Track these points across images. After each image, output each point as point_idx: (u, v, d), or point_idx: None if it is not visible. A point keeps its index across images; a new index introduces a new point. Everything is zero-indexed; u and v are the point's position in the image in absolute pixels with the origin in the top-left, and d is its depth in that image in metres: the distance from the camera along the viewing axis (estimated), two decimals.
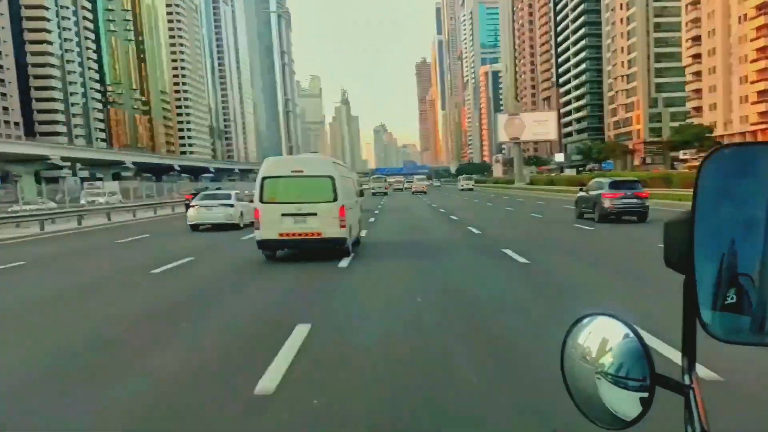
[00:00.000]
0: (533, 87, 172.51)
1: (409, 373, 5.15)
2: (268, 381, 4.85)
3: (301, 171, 12.96)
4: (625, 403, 0.92)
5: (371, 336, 6.52)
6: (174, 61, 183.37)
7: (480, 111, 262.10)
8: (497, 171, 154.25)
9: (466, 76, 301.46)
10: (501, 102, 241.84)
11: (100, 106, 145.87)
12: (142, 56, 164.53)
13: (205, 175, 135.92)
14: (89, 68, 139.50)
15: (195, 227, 23.17)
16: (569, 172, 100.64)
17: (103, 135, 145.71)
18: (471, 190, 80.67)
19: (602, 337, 0.98)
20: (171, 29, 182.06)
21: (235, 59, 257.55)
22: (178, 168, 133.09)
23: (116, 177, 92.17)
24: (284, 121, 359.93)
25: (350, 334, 6.64)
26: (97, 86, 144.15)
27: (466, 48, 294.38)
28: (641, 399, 0.92)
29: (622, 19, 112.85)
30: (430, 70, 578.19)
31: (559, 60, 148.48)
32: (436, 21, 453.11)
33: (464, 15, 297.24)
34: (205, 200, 23.81)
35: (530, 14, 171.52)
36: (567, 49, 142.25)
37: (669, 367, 0.95)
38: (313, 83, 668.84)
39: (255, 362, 5.40)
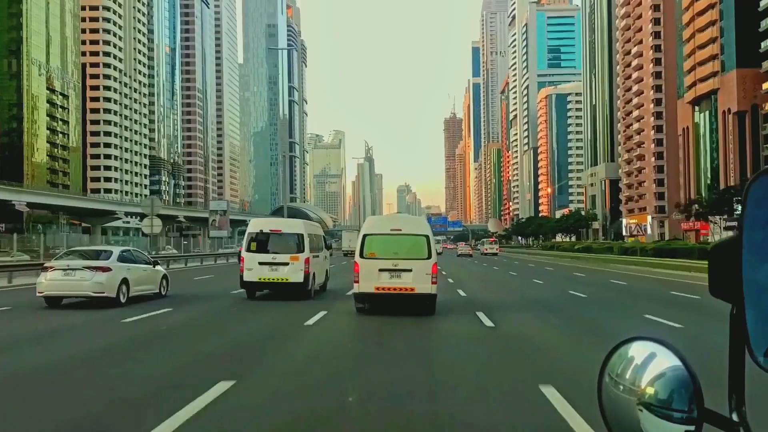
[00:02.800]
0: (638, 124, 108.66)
1: None
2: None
3: (400, 230, 13.94)
4: None
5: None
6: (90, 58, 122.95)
7: (537, 149, 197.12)
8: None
9: (513, 110, 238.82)
10: (571, 132, 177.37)
11: None
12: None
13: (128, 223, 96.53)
14: None
15: (54, 302, 15.22)
16: None
17: None
18: (495, 255, 73.66)
19: (646, 365, 0.89)
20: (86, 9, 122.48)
21: (211, 76, 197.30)
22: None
23: None
24: (285, 167, 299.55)
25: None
26: None
27: (515, 75, 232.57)
28: None
29: None
30: (459, 125, 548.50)
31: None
32: (472, 63, 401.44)
33: (514, 34, 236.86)
34: (66, 260, 15.74)
35: (638, 17, 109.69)
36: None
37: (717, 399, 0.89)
38: (336, 138, 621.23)
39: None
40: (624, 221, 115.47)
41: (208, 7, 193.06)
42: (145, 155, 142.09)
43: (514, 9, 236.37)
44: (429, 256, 13.38)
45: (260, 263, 16.39)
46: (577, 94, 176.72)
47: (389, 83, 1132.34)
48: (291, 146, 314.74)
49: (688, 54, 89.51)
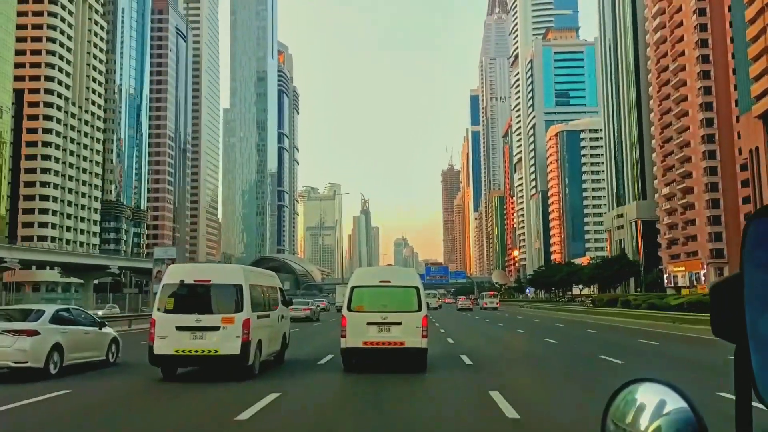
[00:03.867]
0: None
1: None
2: None
3: (389, 282, 13.61)
4: None
5: None
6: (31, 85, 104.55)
7: (546, 192, 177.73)
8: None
9: (518, 153, 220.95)
10: (586, 173, 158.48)
11: None
12: None
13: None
14: None
15: None
16: None
17: None
18: (495, 309, 70.31)
19: (650, 407, 0.85)
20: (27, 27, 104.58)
21: (186, 118, 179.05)
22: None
23: None
24: (266, 217, 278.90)
25: None
26: None
27: (519, 116, 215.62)
28: None
29: None
30: (457, 176, 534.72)
31: None
32: (471, 112, 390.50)
33: (517, 74, 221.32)
34: None
35: (677, 25, 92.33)
36: None
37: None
38: (330, 190, 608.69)
39: None
40: (666, 269, 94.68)
41: (185, 41, 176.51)
42: (96, 198, 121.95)
43: (516, 48, 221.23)
44: (419, 309, 13.05)
45: (178, 328, 12.03)
46: (591, 130, 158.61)
47: (386, 136, 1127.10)
48: (280, 195, 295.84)
49: (755, 56, 70.46)
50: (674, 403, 0.82)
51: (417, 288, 13.28)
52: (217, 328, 12.00)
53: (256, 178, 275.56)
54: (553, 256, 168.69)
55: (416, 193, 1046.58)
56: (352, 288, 13.36)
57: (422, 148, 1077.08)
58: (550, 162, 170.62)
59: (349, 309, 13.10)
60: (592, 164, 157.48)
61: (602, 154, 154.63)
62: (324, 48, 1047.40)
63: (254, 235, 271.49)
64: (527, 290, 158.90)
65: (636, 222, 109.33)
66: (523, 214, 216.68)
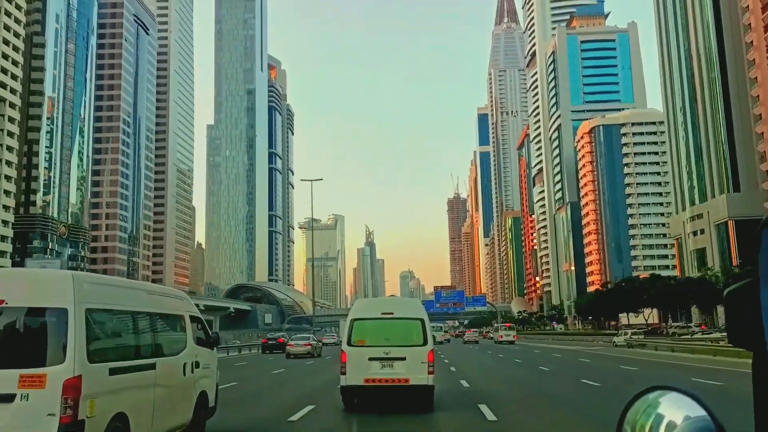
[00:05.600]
0: None
1: None
2: None
3: (392, 313, 12.48)
4: None
5: None
6: None
7: (578, 203, 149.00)
8: None
9: (538, 164, 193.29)
10: (629, 174, 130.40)
11: None
12: None
13: None
14: None
15: None
16: None
17: None
18: (512, 343, 62.08)
19: (668, 415, 0.80)
20: None
21: (142, 130, 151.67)
22: None
23: None
24: (263, 243, 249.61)
25: None
26: None
27: (538, 120, 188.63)
28: None
29: None
30: (463, 204, 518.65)
31: None
32: (478, 132, 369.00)
33: (534, 74, 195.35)
34: None
35: None
36: None
37: None
38: (333, 220, 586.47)
39: None
40: None
41: (147, 33, 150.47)
42: (6, 207, 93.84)
43: (533, 46, 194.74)
44: (425, 343, 11.95)
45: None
46: (635, 123, 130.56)
47: (390, 169, 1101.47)
48: (271, 220, 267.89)
49: None
50: (693, 411, 0.77)
51: (422, 320, 12.19)
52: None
53: (244, 200, 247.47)
54: (589, 279, 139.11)
55: (422, 224, 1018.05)
56: (353, 321, 12.26)
57: (427, 176, 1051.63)
58: (583, 165, 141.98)
59: (349, 343, 12.02)
60: (637, 164, 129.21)
61: (650, 152, 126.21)
62: (324, 75, 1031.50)
63: (244, 264, 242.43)
64: (556, 323, 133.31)
65: (726, 223, 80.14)
66: (545, 233, 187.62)
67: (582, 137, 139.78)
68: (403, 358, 11.72)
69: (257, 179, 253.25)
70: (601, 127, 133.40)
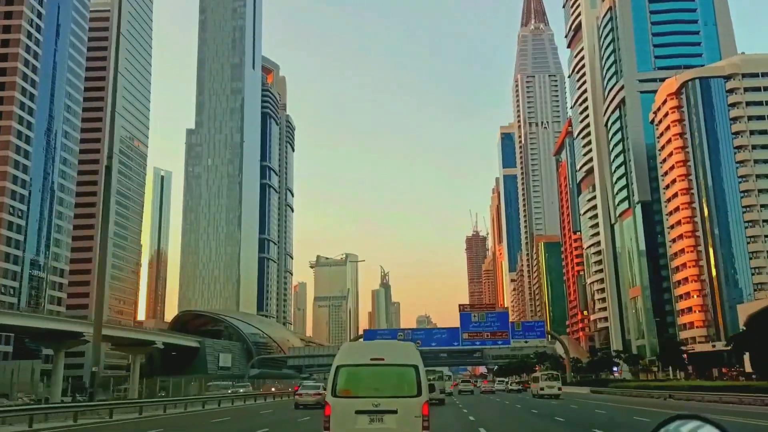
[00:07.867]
0: None
1: None
2: None
3: (382, 359, 11.04)
4: None
5: None
6: None
7: (658, 200, 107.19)
8: None
9: (586, 164, 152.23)
10: (742, 147, 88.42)
11: None
12: None
13: None
14: None
15: None
16: None
17: None
18: (557, 396, 47.86)
19: None
20: None
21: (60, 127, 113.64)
22: None
23: None
24: (250, 271, 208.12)
25: None
26: None
27: (587, 108, 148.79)
28: None
29: None
30: (483, 243, 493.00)
31: None
32: (502, 154, 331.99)
33: (579, 50, 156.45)
34: None
35: None
36: None
37: None
38: (344, 258, 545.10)
39: None
40: None
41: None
42: None
43: (578, 16, 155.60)
44: (419, 393, 10.60)
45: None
46: (747, 76, 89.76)
47: (406, 211, 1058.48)
48: (263, 245, 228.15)
49: None
50: None
51: (416, 366, 10.84)
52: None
53: (225, 217, 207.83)
54: (681, 304, 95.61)
55: (439, 266, 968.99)
56: (338, 367, 10.77)
57: (445, 215, 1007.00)
58: (665, 144, 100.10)
59: (333, 394, 10.61)
60: (754, 133, 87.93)
61: None
62: (333, 120, 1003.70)
63: (225, 294, 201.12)
64: (616, 370, 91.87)
65: None
66: (598, 251, 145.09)
67: (665, 102, 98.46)
68: (395, 411, 10.40)
69: (245, 194, 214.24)
70: (697, 81, 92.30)
